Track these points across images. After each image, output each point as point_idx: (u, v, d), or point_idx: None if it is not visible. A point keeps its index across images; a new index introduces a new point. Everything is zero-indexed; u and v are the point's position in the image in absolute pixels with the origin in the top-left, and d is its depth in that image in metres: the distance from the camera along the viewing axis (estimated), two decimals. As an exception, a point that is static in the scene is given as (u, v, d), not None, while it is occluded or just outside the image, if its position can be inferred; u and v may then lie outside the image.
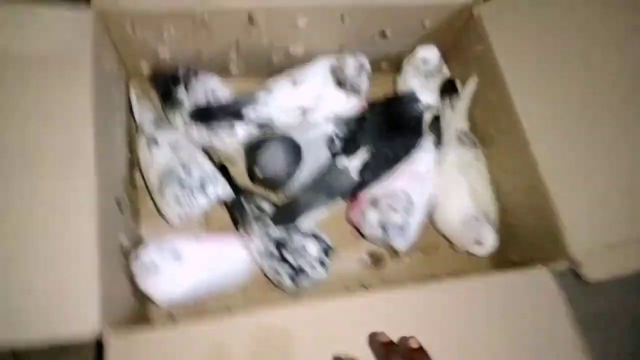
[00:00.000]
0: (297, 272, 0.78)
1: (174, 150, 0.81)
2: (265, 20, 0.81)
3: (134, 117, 0.89)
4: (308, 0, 0.80)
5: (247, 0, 0.78)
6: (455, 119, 0.91)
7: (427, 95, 0.90)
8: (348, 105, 0.88)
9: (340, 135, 0.87)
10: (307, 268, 0.78)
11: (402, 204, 0.81)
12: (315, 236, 0.80)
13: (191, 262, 0.76)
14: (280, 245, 0.78)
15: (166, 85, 0.87)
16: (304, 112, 0.86)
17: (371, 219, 0.82)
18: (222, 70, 0.92)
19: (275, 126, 0.86)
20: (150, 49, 0.84)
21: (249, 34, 0.84)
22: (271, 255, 0.79)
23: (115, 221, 0.74)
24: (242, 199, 0.85)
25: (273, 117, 0.86)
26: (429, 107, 0.90)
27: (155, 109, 0.90)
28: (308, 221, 0.83)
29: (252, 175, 0.85)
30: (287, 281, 0.79)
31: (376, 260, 0.94)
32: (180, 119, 0.86)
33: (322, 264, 0.79)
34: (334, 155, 0.87)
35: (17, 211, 0.62)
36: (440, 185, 0.88)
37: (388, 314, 0.66)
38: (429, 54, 0.91)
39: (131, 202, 0.83)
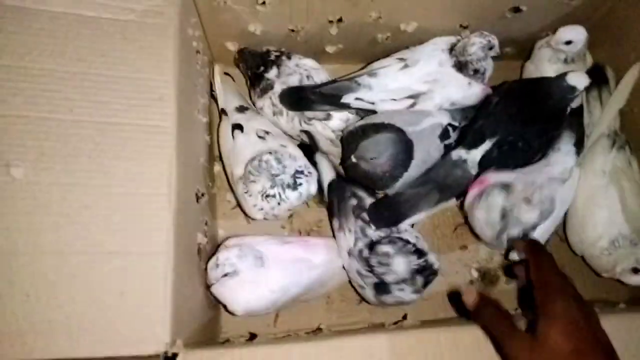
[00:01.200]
0: (380, 284, 0.64)
1: (263, 139, 0.70)
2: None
3: (215, 101, 0.78)
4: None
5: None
6: (606, 116, 0.73)
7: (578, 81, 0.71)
8: (469, 91, 0.72)
9: (456, 125, 0.73)
10: (391, 285, 0.64)
11: (541, 201, 0.65)
12: (418, 251, 0.65)
13: (274, 268, 0.64)
14: (374, 245, 0.65)
15: (256, 65, 0.76)
16: (415, 99, 0.72)
17: (494, 201, 0.67)
18: (318, 52, 0.80)
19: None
20: (239, 22, 0.73)
21: (354, 6, 0.71)
22: (360, 256, 0.66)
23: (193, 217, 0.64)
24: (344, 184, 0.72)
25: (377, 105, 0.72)
26: (577, 94, 0.71)
27: (240, 92, 0.79)
28: (413, 222, 0.69)
29: (348, 167, 0.70)
30: (368, 293, 0.66)
31: (488, 279, 0.79)
32: (269, 104, 0.74)
33: (413, 284, 0.64)
34: (447, 149, 0.72)
35: (86, 199, 0.53)
36: (581, 195, 0.71)
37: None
38: (575, 34, 0.73)
39: (209, 194, 0.72)
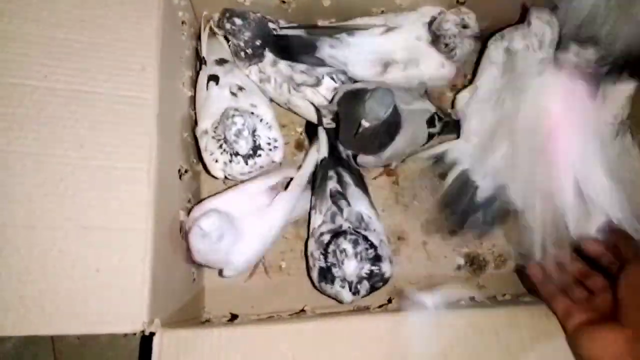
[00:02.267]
0: (326, 270, 0.63)
1: (235, 96, 0.67)
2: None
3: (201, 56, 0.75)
4: None
5: None
6: (613, 104, 0.70)
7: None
8: (439, 73, 0.72)
9: (442, 117, 0.73)
10: (336, 278, 0.62)
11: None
12: (376, 257, 0.63)
13: (248, 221, 0.63)
14: (337, 236, 0.63)
15: (252, 36, 0.70)
16: (387, 67, 0.71)
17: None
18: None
19: (350, 76, 0.71)
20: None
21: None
22: (319, 239, 0.64)
23: (175, 193, 0.62)
24: (331, 165, 0.71)
25: (348, 63, 0.70)
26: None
27: (227, 47, 0.74)
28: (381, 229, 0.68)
29: (349, 129, 0.66)
30: (313, 274, 0.65)
31: (477, 264, 0.78)
32: (256, 70, 0.71)
33: (355, 288, 0.62)
34: (430, 137, 0.72)
35: (61, 171, 0.51)
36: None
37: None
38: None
39: (193, 171, 0.70)
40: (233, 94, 0.66)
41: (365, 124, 0.59)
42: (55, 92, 0.52)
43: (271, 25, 0.70)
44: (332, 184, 0.69)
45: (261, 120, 0.64)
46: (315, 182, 0.71)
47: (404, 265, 0.77)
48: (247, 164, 0.64)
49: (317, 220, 0.67)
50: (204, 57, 0.72)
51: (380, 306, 0.64)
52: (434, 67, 0.72)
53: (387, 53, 0.71)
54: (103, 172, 0.52)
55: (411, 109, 0.68)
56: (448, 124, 0.74)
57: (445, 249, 0.78)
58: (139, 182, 0.52)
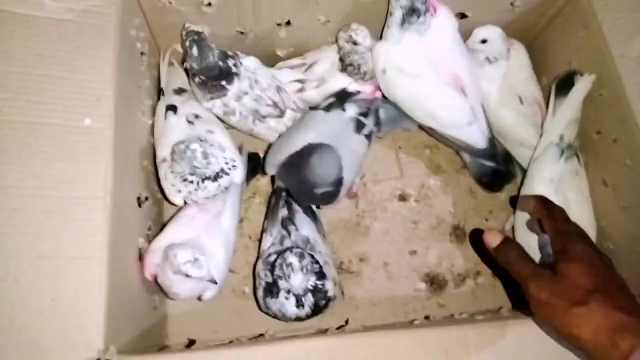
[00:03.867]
0: (271, 285, 0.65)
1: (192, 124, 0.69)
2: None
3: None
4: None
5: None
6: (555, 125, 0.74)
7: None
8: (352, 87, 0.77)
9: (366, 111, 0.75)
10: (281, 290, 0.65)
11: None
12: (320, 273, 0.65)
13: (208, 243, 0.66)
14: (283, 252, 0.65)
15: (214, 74, 0.70)
16: (303, 83, 0.78)
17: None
18: (269, 55, 0.80)
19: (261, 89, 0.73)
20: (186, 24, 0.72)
21: (302, 8, 0.71)
22: (266, 260, 0.67)
23: (133, 221, 0.63)
24: (283, 193, 0.75)
25: (258, 76, 0.73)
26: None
27: (185, 77, 0.77)
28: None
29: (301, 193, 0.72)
30: (259, 293, 0.67)
31: (437, 283, 0.80)
32: (220, 104, 0.72)
33: (299, 300, 0.64)
34: (368, 138, 0.75)
35: (16, 202, 0.52)
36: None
37: None
38: (488, 33, 0.75)
39: (154, 198, 0.71)
40: (190, 122, 0.68)
41: (318, 191, 0.65)
42: (10, 125, 0.53)
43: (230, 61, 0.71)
44: (283, 211, 0.73)
45: (214, 145, 0.66)
46: (269, 207, 0.74)
47: (366, 286, 0.79)
48: (215, 185, 0.66)
49: (267, 242, 0.70)
50: (162, 88, 0.74)
51: (338, 327, 0.65)
52: (341, 84, 0.76)
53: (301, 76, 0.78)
54: (59, 202, 0.52)
55: (334, 134, 0.71)
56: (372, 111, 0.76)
57: (406, 269, 0.80)
58: (94, 210, 0.53)
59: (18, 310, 0.49)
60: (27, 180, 0.52)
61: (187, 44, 0.67)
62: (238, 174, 0.68)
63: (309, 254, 0.65)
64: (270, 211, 0.75)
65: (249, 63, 0.72)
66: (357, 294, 0.78)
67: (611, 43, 0.65)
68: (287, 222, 0.71)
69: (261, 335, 0.63)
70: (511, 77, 0.77)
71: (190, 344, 0.61)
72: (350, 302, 0.78)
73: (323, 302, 0.65)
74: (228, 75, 0.69)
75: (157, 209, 0.73)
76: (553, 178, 0.72)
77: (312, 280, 0.64)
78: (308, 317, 0.65)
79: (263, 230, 0.74)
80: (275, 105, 0.73)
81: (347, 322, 0.69)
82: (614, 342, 0.44)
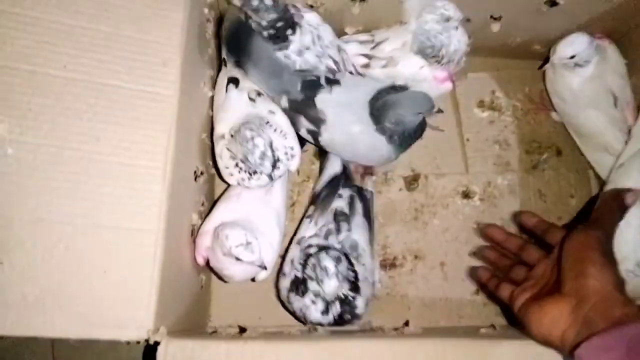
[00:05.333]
0: (300, 282, 0.61)
1: (253, 101, 0.64)
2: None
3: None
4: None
5: None
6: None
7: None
8: (420, 72, 0.69)
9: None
10: (309, 291, 0.60)
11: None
12: (354, 286, 0.60)
13: (260, 221, 0.63)
14: (324, 250, 0.60)
15: (276, 24, 0.63)
16: (370, 59, 0.71)
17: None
18: (336, 33, 0.74)
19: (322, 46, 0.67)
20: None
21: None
22: (304, 249, 0.63)
23: (189, 196, 0.60)
24: (342, 183, 0.69)
25: (320, 32, 0.67)
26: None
27: None
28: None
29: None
30: (284, 283, 0.63)
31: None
32: None
33: (327, 307, 0.60)
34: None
35: (75, 165, 0.49)
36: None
37: None
38: (575, 47, 0.67)
39: (208, 174, 0.68)
40: (251, 99, 0.64)
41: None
42: (73, 83, 0.50)
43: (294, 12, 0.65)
44: (340, 203, 0.67)
45: (277, 129, 0.62)
46: (319, 197, 0.69)
47: (419, 285, 0.74)
48: (270, 179, 0.62)
49: (309, 230, 0.65)
50: (224, 58, 0.70)
51: (395, 329, 0.61)
52: (412, 67, 0.69)
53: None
54: (118, 169, 0.49)
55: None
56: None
57: (464, 272, 0.75)
58: (154, 181, 0.50)
59: (68, 279, 0.46)
60: (88, 143, 0.49)
61: None
62: (294, 162, 0.63)
63: (351, 262, 0.61)
64: (321, 198, 0.69)
65: (311, 17, 0.67)
66: (409, 293, 0.74)
67: None
68: (342, 218, 0.66)
69: (314, 328, 0.59)
70: (606, 76, 0.70)
71: (241, 331, 0.58)
72: (401, 300, 0.74)
73: (349, 316, 0.60)
74: (293, 26, 0.64)
75: (210, 185, 0.70)
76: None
77: (345, 289, 0.59)
78: (329, 325, 0.60)
79: (305, 216, 0.69)
80: (336, 64, 0.68)
81: (407, 323, 0.64)
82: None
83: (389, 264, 0.75)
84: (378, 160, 0.68)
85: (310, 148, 0.77)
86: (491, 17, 0.72)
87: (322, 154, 0.75)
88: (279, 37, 0.63)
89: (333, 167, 0.71)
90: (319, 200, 0.69)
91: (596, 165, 0.75)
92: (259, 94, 0.65)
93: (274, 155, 0.60)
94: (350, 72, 0.70)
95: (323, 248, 0.61)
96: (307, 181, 0.78)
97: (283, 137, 0.62)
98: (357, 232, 0.65)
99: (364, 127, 0.63)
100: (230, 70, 0.68)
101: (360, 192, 0.70)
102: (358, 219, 0.66)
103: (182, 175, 0.55)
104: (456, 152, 0.80)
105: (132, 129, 0.50)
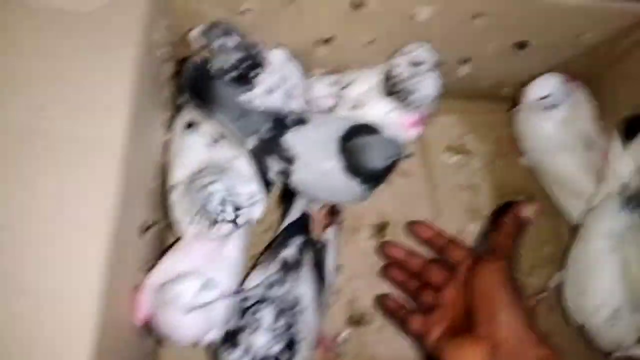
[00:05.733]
0: (228, 338, 0.56)
1: (215, 144, 0.60)
2: (376, 4, 0.60)
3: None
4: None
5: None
6: (621, 172, 0.65)
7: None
8: (389, 116, 0.66)
9: None
10: (239, 347, 0.54)
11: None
12: (290, 346, 0.55)
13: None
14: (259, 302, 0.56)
15: (243, 63, 0.60)
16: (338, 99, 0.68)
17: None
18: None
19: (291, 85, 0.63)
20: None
21: (347, 25, 0.63)
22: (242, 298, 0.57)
23: (135, 251, 0.54)
24: (299, 234, 0.65)
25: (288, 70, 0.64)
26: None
27: None
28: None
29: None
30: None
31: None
32: None
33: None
34: None
35: (4, 216, 0.43)
36: (583, 258, 0.64)
37: None
38: (547, 88, 0.66)
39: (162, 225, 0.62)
40: (212, 143, 0.59)
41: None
42: (7, 125, 0.44)
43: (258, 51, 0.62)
44: (289, 252, 0.62)
45: (238, 174, 0.57)
46: (273, 242, 0.64)
47: (390, 343, 0.69)
48: (234, 226, 0.56)
49: (253, 279, 0.60)
50: (182, 102, 0.65)
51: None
52: (379, 111, 0.66)
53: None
54: (50, 224, 0.43)
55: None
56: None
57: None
58: (92, 237, 0.44)
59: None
60: (17, 194, 0.43)
61: (217, 37, 0.58)
62: (257, 210, 0.58)
63: (291, 317, 0.56)
64: (271, 245, 0.64)
65: (277, 56, 0.63)
66: (378, 353, 0.69)
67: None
68: (289, 268, 0.61)
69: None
70: (578, 120, 0.69)
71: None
72: (370, 362, 0.68)
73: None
74: (258, 66, 0.60)
75: (162, 238, 0.64)
76: (612, 232, 0.63)
77: (276, 348, 0.54)
78: None
79: (255, 265, 0.64)
80: (305, 103, 0.65)
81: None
82: None
83: (356, 321, 0.70)
84: (353, 198, 0.64)
85: (273, 196, 0.73)
86: (460, 59, 0.70)
87: (285, 200, 0.71)
88: (244, 79, 0.59)
89: (293, 215, 0.67)
90: (270, 248, 0.64)
91: (568, 210, 0.73)
92: (221, 137, 0.61)
93: (235, 202, 0.55)
94: (319, 112, 0.67)
95: (262, 300, 0.56)
96: (270, 231, 0.73)
97: (246, 182, 0.57)
98: (303, 285, 0.60)
99: (336, 164, 0.60)
100: (188, 113, 0.64)
101: (313, 242, 0.65)
102: (306, 271, 0.61)
103: (126, 229, 0.50)
104: (425, 199, 0.76)
105: (70, 177, 0.45)
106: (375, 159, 0.59)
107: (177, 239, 0.61)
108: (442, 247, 0.59)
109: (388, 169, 0.61)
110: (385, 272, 0.65)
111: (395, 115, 0.66)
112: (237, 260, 0.60)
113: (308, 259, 0.63)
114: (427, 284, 0.58)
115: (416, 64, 0.62)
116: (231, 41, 0.57)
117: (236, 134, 0.60)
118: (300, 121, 0.61)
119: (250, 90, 0.59)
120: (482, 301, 0.48)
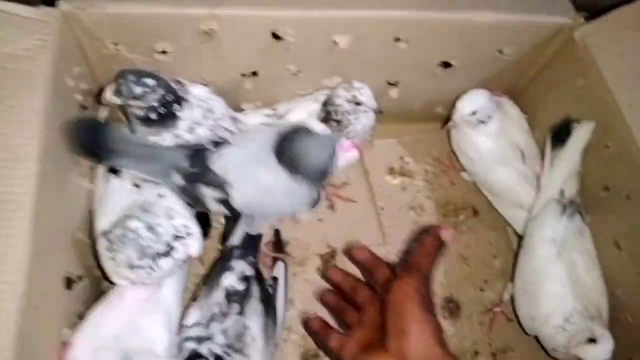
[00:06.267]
0: None
1: (138, 187, 0.58)
2: (295, 35, 0.60)
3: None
4: (352, 11, 0.59)
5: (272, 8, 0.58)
6: (554, 178, 0.66)
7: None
8: None
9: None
10: None
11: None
12: None
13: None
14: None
15: (163, 100, 0.58)
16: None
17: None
18: (235, 110, 0.70)
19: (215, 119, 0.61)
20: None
21: (269, 58, 0.63)
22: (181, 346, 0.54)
23: (58, 308, 0.51)
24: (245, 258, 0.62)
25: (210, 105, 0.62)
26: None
27: None
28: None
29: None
30: None
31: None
32: (171, 137, 0.60)
33: None
34: None
35: None
36: (529, 267, 0.64)
37: None
38: (475, 104, 0.67)
39: (92, 277, 0.59)
40: (136, 185, 0.57)
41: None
42: None
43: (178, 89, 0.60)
44: (232, 280, 0.59)
45: (168, 213, 0.54)
46: (212, 272, 0.61)
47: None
48: (170, 261, 0.53)
49: (192, 315, 0.56)
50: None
51: None
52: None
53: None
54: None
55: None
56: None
57: None
58: (4, 300, 0.41)
59: None
60: None
61: (127, 79, 0.55)
62: (195, 244, 0.55)
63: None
64: (212, 276, 0.60)
65: (198, 91, 0.62)
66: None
67: (616, 92, 0.58)
68: (235, 298, 0.57)
69: None
70: (510, 132, 0.70)
71: None
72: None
73: None
74: (179, 101, 0.59)
75: (94, 289, 0.61)
76: (556, 238, 0.63)
77: None
78: None
79: (193, 298, 0.61)
80: (232, 135, 0.63)
81: None
82: None
83: (311, 356, 0.67)
84: (303, 203, 0.62)
85: (215, 234, 0.71)
86: (388, 82, 0.71)
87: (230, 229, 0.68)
88: (167, 116, 0.58)
89: (232, 240, 0.64)
90: (210, 279, 0.60)
91: (512, 221, 0.73)
92: (142, 180, 0.59)
93: (168, 242, 0.52)
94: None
95: (202, 339, 0.53)
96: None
97: (178, 218, 0.55)
98: (251, 317, 0.57)
99: (275, 175, 0.58)
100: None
101: (258, 273, 0.62)
102: (254, 303, 0.59)
103: (46, 286, 0.47)
104: (371, 223, 0.75)
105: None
106: (318, 156, 0.58)
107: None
108: (372, 268, 0.58)
109: (332, 161, 0.60)
110: (321, 297, 0.64)
111: None
112: (173, 308, 0.57)
113: (255, 290, 0.60)
114: (354, 305, 0.58)
115: (357, 103, 0.62)
116: (149, 82, 0.56)
117: (153, 179, 0.58)
118: (221, 143, 0.60)
119: (173, 127, 0.58)
120: (393, 316, 0.48)
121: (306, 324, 0.63)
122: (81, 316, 0.55)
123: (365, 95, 0.62)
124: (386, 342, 0.47)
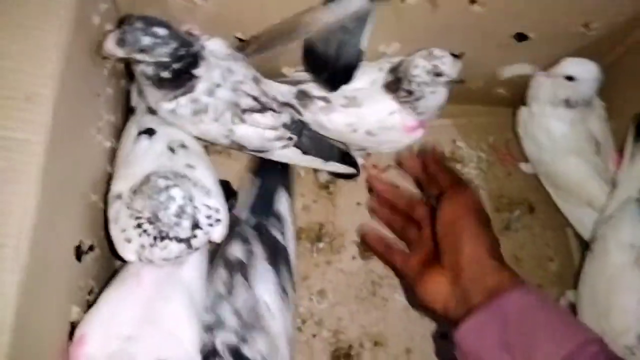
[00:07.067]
0: None
1: (172, 153, 0.50)
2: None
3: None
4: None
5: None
6: (638, 173, 0.58)
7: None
8: (390, 118, 0.58)
9: None
10: None
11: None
12: None
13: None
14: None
15: (178, 58, 0.49)
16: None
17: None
18: (273, 74, 0.62)
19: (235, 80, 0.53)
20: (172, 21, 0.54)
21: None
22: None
23: (66, 282, 0.43)
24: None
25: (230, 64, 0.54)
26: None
27: None
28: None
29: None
30: None
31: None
32: (187, 101, 0.51)
33: None
34: None
35: None
36: (603, 275, 0.56)
37: None
38: (581, 70, 0.59)
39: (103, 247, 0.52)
40: (171, 149, 0.49)
41: None
42: None
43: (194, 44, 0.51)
44: (234, 250, 0.53)
45: (197, 185, 0.47)
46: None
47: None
48: (187, 247, 0.45)
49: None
50: (132, 107, 0.56)
51: None
52: (380, 112, 0.58)
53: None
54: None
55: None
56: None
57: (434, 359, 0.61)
58: (2, 268, 0.34)
59: None
60: None
61: (134, 26, 0.45)
62: (219, 231, 0.48)
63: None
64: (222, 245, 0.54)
65: (216, 47, 0.53)
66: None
67: None
68: (236, 269, 0.52)
69: None
70: (589, 120, 0.62)
71: None
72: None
73: None
74: (194, 63, 0.50)
75: (106, 264, 0.53)
76: (634, 243, 0.55)
77: None
78: None
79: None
80: (255, 100, 0.55)
81: None
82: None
83: (342, 355, 0.60)
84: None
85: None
86: (451, 54, 0.62)
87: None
88: (183, 75, 0.49)
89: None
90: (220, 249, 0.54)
91: (575, 221, 0.65)
92: (180, 146, 0.51)
93: (194, 217, 0.45)
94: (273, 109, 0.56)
95: (211, 327, 0.48)
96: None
97: (206, 194, 0.48)
98: (260, 285, 0.51)
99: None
100: (142, 119, 0.54)
101: (261, 226, 0.56)
102: (261, 268, 0.52)
103: (52, 254, 0.39)
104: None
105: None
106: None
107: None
108: (429, 180, 0.59)
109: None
110: (375, 211, 0.64)
111: (397, 118, 0.58)
112: (196, 290, 0.49)
113: (258, 251, 0.54)
114: (412, 221, 0.59)
115: (437, 74, 0.54)
116: (160, 32, 0.46)
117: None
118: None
119: (190, 90, 0.50)
120: (445, 231, 0.50)
121: (364, 238, 0.63)
122: (91, 292, 0.47)
123: (448, 64, 0.54)
124: (441, 257, 0.49)
